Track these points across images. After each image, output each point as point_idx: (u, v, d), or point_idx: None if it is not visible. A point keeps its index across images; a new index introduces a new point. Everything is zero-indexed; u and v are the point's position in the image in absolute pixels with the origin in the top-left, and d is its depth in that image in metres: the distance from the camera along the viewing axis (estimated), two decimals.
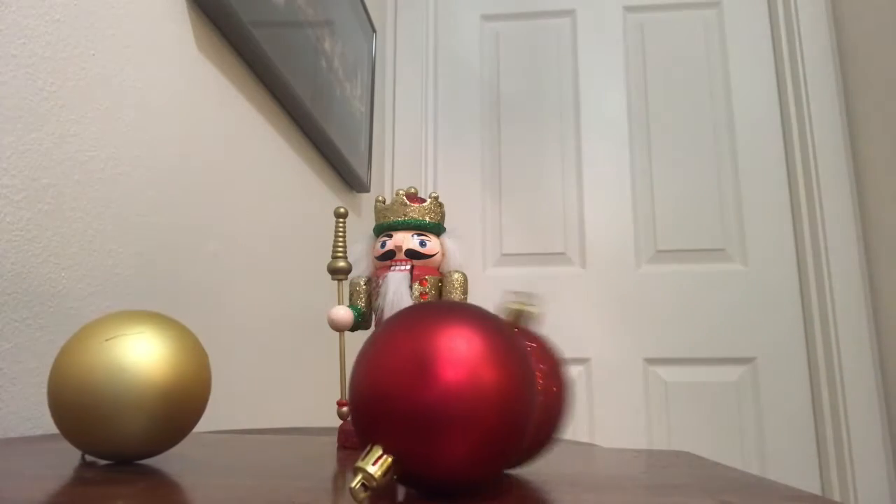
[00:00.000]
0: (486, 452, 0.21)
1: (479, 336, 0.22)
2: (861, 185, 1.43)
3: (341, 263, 0.45)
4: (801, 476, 1.39)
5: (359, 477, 0.20)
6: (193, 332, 0.31)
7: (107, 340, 0.27)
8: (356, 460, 0.22)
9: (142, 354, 0.27)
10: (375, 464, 0.20)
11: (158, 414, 0.27)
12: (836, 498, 1.34)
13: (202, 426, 0.66)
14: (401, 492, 0.25)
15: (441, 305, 0.24)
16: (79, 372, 0.27)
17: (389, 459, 0.21)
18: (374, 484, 0.20)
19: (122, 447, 0.28)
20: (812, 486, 1.38)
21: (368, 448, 0.21)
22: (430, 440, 0.20)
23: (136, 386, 0.27)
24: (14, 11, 0.45)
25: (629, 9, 1.64)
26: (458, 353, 0.21)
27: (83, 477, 0.26)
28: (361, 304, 0.46)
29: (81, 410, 0.27)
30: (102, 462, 0.30)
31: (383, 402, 0.21)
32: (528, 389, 0.22)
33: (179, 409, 0.28)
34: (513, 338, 0.23)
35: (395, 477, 0.21)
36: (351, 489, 0.20)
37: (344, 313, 0.44)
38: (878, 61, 1.35)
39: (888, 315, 1.34)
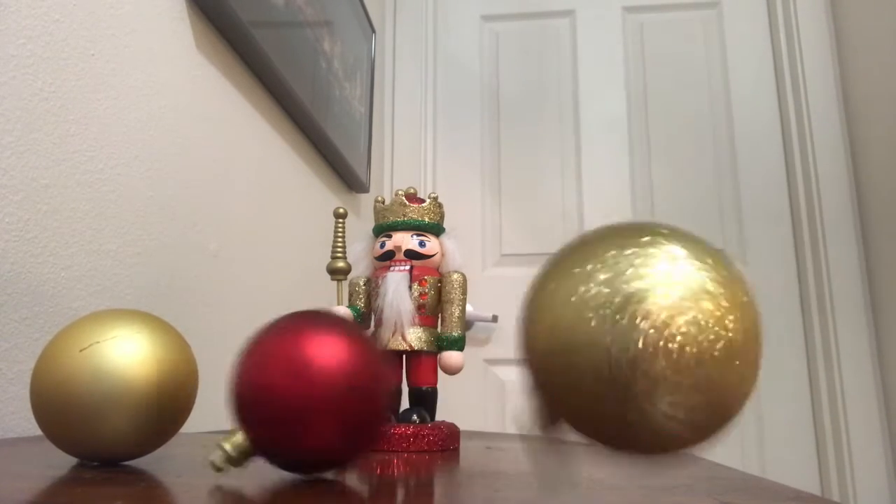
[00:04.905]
0: (344, 438, 0.25)
1: (340, 342, 0.25)
2: (860, 185, 1.43)
3: (341, 264, 0.45)
4: (800, 476, 1.39)
5: (219, 453, 0.25)
6: (176, 329, 0.31)
7: (81, 351, 0.27)
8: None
9: (119, 358, 0.27)
10: (236, 449, 0.25)
11: (142, 414, 0.27)
12: (836, 498, 1.34)
13: (203, 426, 0.66)
14: (401, 492, 0.25)
15: (309, 315, 0.27)
16: (58, 381, 0.26)
17: (247, 446, 0.25)
18: (230, 462, 0.25)
19: (108, 449, 0.28)
20: (812, 486, 1.38)
21: (233, 431, 0.25)
22: (294, 429, 0.24)
23: (116, 389, 0.27)
24: (14, 11, 0.45)
25: (628, 9, 1.64)
26: (321, 356, 0.25)
27: (82, 477, 0.26)
28: (361, 304, 0.46)
29: (64, 417, 0.26)
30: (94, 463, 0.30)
31: (255, 397, 0.25)
32: (380, 387, 0.26)
33: (164, 406, 0.28)
34: (368, 343, 0.27)
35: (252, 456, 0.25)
36: (211, 462, 0.24)
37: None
38: (878, 61, 1.35)
39: (888, 316, 1.34)
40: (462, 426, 0.50)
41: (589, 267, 0.20)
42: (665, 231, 0.20)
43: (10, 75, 0.44)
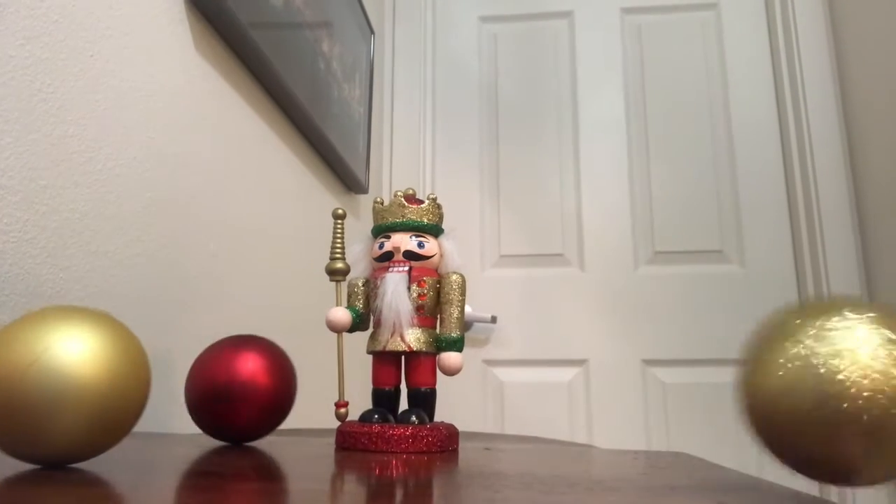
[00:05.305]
0: (263, 418, 0.41)
1: (260, 357, 0.41)
2: (859, 185, 1.43)
3: (339, 265, 0.45)
4: (799, 476, 1.39)
5: None
6: (126, 326, 0.30)
7: (29, 365, 0.26)
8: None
9: (67, 356, 0.26)
10: None
11: (89, 416, 0.26)
12: (834, 498, 1.34)
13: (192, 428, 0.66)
14: (399, 493, 0.25)
15: (241, 338, 0.43)
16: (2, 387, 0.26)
17: None
18: None
19: (54, 453, 0.27)
20: (810, 486, 1.38)
21: None
22: (227, 413, 0.40)
23: (63, 392, 0.26)
24: (13, 12, 0.45)
25: (627, 10, 1.65)
26: (247, 366, 0.40)
27: (27, 480, 0.26)
28: (359, 305, 0.46)
29: (8, 422, 0.26)
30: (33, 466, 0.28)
31: (203, 392, 0.40)
32: (288, 386, 0.42)
33: (110, 407, 0.27)
34: (282, 357, 0.43)
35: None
36: None
37: (342, 315, 0.44)
38: (876, 62, 1.36)
39: None
40: (461, 427, 0.50)
41: (800, 334, 0.26)
42: (859, 306, 0.26)
43: (8, 76, 0.44)
